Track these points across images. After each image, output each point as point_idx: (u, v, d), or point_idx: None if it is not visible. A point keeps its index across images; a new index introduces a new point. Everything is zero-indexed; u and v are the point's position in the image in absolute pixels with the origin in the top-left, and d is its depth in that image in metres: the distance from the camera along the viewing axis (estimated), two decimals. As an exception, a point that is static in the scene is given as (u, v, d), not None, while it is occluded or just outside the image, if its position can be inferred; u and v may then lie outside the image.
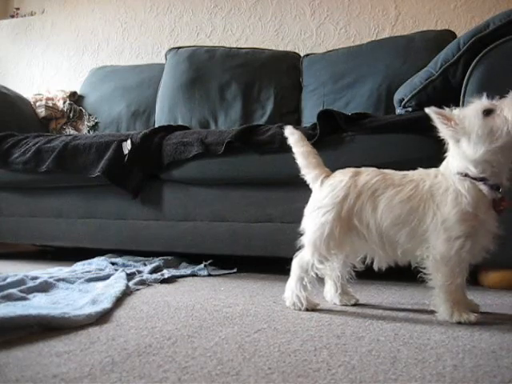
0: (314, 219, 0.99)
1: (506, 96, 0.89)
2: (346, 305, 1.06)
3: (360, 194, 0.96)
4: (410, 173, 0.98)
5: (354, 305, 1.06)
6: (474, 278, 1.32)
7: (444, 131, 0.93)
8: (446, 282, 0.90)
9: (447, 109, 0.93)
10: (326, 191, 1.00)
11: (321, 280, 1.06)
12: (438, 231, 0.90)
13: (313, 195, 1.04)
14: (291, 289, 1.01)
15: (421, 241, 0.93)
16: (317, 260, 0.98)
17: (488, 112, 0.88)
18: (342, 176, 1.00)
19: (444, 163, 0.97)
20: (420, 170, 0.98)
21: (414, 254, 0.95)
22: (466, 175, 0.91)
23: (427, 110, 0.93)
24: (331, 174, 1.04)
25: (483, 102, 0.90)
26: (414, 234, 0.93)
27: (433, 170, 0.97)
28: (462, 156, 0.92)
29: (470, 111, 0.91)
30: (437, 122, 0.93)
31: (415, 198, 0.92)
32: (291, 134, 1.08)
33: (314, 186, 1.04)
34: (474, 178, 0.90)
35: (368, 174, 0.98)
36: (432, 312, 0.95)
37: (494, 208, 0.90)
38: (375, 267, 1.01)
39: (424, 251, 0.93)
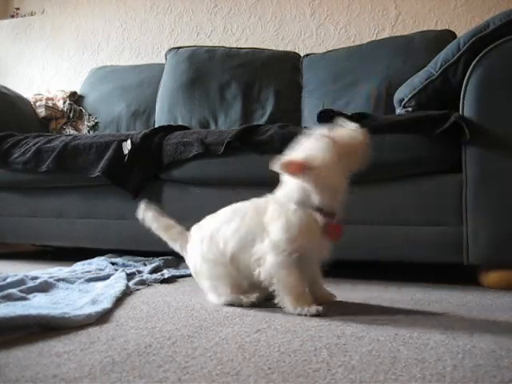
0: (209, 271, 1.04)
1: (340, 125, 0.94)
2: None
3: (210, 237, 1.03)
4: (240, 205, 1.02)
5: (355, 304, 1.06)
6: (474, 278, 1.32)
7: (295, 179, 0.92)
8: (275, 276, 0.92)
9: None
10: (192, 254, 1.08)
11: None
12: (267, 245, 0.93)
13: (189, 257, 1.11)
14: None
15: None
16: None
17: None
18: (193, 235, 1.09)
19: (280, 191, 0.97)
20: (253, 200, 1.01)
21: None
22: (303, 204, 0.92)
23: (273, 166, 0.90)
24: (186, 235, 1.12)
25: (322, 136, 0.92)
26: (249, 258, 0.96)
27: (268, 198, 0.99)
28: (306, 187, 0.92)
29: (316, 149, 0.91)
30: (285, 173, 0.93)
31: (247, 227, 0.97)
32: (145, 211, 1.15)
33: (183, 253, 1.14)
34: (312, 207, 0.92)
35: (205, 222, 1.08)
36: (432, 312, 0.95)
37: (328, 235, 0.93)
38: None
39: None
